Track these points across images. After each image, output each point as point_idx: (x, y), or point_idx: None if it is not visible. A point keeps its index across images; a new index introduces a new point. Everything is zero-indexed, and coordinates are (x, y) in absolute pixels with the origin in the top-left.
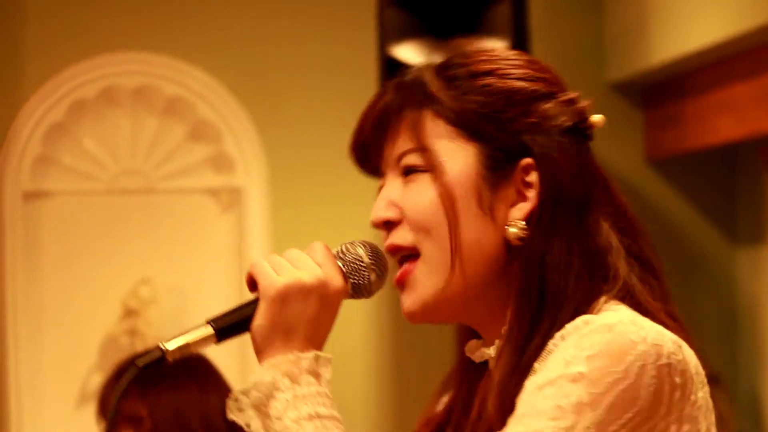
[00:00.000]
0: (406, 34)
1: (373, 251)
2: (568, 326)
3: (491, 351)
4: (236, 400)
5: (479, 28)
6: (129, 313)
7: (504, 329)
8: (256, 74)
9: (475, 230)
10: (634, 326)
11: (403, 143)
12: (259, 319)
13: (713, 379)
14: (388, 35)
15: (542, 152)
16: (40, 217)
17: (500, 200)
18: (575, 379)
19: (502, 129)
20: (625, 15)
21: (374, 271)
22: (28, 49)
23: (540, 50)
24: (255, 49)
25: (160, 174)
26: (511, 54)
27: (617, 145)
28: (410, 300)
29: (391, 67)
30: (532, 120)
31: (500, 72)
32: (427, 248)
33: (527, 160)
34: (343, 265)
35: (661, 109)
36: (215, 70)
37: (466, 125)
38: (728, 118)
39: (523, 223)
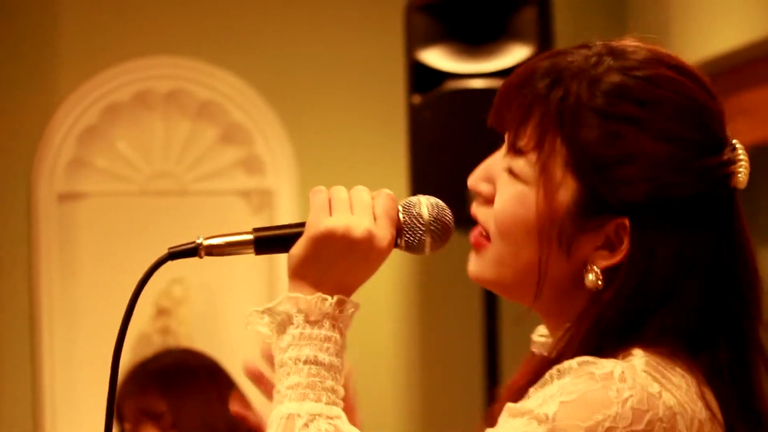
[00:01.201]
0: (432, 38)
1: (438, 215)
2: (566, 363)
3: (537, 341)
4: (255, 315)
5: (505, 32)
6: (161, 312)
7: (558, 334)
8: (286, 78)
9: (544, 257)
10: (624, 383)
11: (523, 137)
12: (297, 249)
13: None
14: (415, 39)
15: (645, 221)
16: (75, 218)
17: (584, 240)
18: (541, 420)
19: (609, 183)
20: (648, 21)
21: (431, 235)
22: (62, 53)
23: None
24: (285, 53)
25: (192, 176)
26: (678, 91)
27: None
28: (471, 267)
29: (418, 71)
30: (647, 187)
31: (639, 122)
32: (496, 245)
33: (625, 221)
34: (403, 219)
35: None
36: (246, 74)
37: (578, 162)
38: (746, 123)
39: (600, 273)
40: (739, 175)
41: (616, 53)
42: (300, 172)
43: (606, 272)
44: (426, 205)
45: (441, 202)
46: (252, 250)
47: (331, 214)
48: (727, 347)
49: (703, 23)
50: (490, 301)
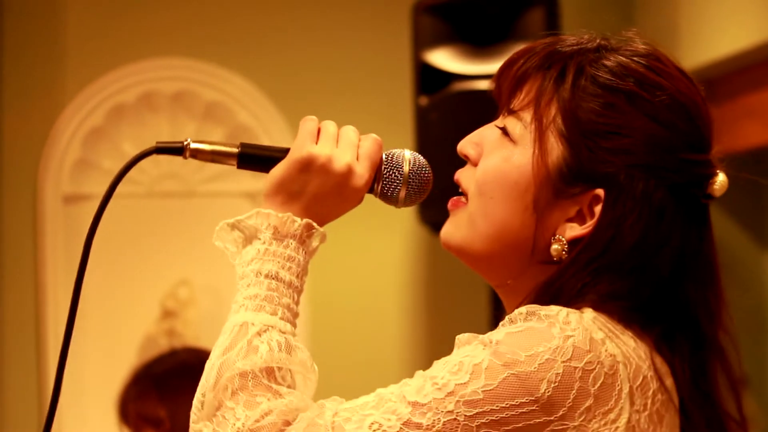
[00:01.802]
0: (440, 40)
1: (418, 172)
2: (515, 311)
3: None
4: (224, 228)
5: (512, 34)
6: (168, 314)
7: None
8: (292, 79)
9: (515, 219)
10: (567, 325)
11: (519, 98)
12: (277, 170)
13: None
14: (422, 41)
15: (619, 196)
16: (80, 219)
17: (558, 208)
18: (486, 344)
19: (596, 152)
20: (656, 22)
21: (406, 188)
22: (68, 54)
23: None
24: (292, 55)
25: (198, 177)
26: (676, 86)
27: None
28: (444, 231)
29: (425, 73)
30: (633, 161)
31: (637, 99)
32: (473, 204)
33: (601, 192)
34: (384, 168)
35: None
36: (253, 76)
37: (570, 127)
38: (756, 124)
39: (566, 244)
40: (716, 184)
41: (620, 41)
42: None
43: (571, 244)
44: (409, 159)
45: (424, 160)
46: (235, 163)
47: (317, 143)
48: (685, 340)
49: (712, 24)
50: (498, 302)
